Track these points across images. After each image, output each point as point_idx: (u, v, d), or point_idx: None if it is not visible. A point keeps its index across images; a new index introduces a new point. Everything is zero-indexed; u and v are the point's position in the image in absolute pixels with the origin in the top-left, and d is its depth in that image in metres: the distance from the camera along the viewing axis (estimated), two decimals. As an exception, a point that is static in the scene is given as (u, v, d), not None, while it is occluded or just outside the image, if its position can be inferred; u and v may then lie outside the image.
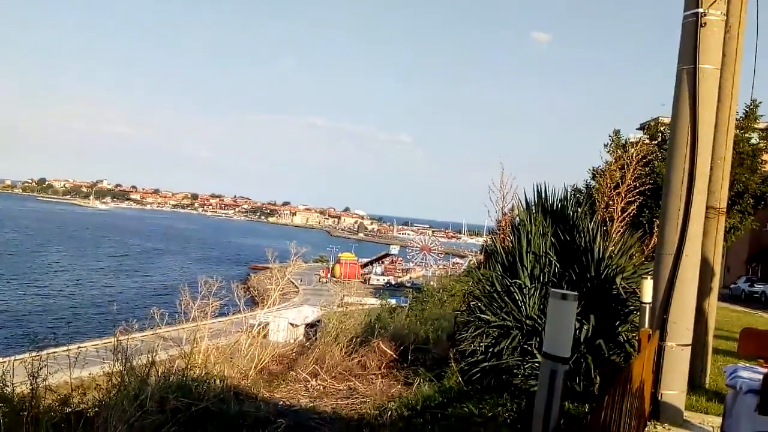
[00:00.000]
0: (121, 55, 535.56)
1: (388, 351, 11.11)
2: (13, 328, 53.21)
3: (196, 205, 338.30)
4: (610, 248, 7.93)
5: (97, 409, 7.91)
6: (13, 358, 8.84)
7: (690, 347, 6.22)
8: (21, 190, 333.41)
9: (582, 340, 7.11)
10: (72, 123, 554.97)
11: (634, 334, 7.14)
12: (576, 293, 3.47)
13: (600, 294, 7.54)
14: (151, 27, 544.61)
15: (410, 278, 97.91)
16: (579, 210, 8.53)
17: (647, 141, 25.38)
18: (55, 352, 9.16)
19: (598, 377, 7.01)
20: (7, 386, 7.98)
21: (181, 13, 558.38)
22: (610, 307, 7.58)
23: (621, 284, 7.59)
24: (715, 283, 8.34)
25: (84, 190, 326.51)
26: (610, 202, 8.99)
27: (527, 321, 7.54)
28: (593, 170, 14.41)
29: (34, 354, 8.53)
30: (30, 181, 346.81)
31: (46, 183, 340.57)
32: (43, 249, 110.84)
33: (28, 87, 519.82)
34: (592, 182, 12.19)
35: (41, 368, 8.32)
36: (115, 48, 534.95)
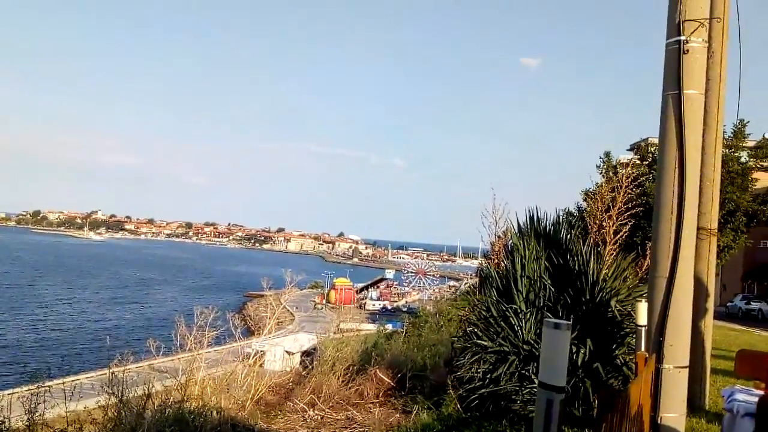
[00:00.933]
0: (111, 84, 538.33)
1: (386, 379, 11.05)
2: (9, 362, 52.70)
3: (190, 233, 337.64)
4: (604, 271, 7.95)
5: (93, 444, 7.85)
6: (9, 392, 8.78)
7: (687, 369, 6.22)
8: (15, 223, 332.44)
9: (579, 364, 7.11)
10: (65, 154, 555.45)
11: (631, 357, 7.14)
12: (569, 322, 3.50)
13: (595, 317, 7.55)
14: (142, 56, 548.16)
15: (406, 302, 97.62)
16: (572, 233, 8.57)
17: (637, 162, 25.62)
18: (50, 386, 9.09)
19: (596, 401, 7.00)
20: (4, 422, 7.93)
21: (173, 43, 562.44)
22: (606, 330, 7.58)
23: (616, 307, 7.60)
24: (710, 304, 8.37)
25: (78, 221, 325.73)
26: (603, 225, 9.03)
27: (524, 346, 7.54)
28: (585, 193, 14.51)
29: (30, 388, 8.49)
30: (24, 213, 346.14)
31: (41, 215, 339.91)
32: (38, 281, 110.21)
33: (21, 119, 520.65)
34: (584, 205, 12.26)
35: (37, 403, 8.29)
36: (105, 77, 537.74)
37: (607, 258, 8.24)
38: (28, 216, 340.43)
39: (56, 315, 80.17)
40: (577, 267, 7.84)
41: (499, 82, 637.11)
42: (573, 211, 12.56)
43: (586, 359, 7.19)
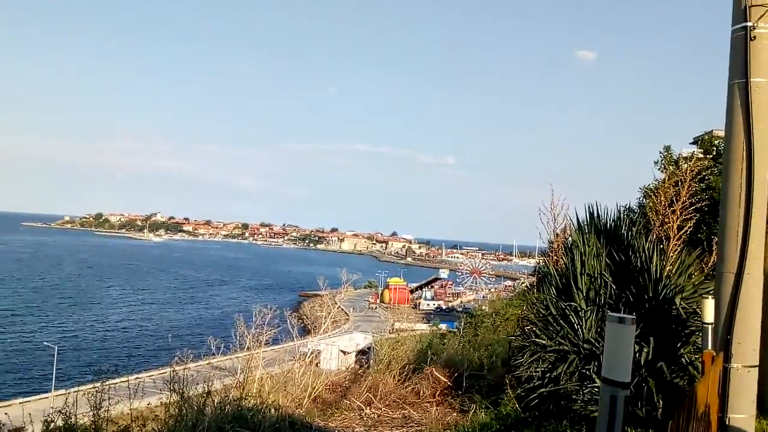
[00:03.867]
0: (167, 90, 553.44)
1: (442, 378, 10.99)
2: (76, 360, 54.77)
3: (246, 234, 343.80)
4: (668, 267, 7.71)
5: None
6: (76, 389, 9.08)
7: (757, 368, 5.98)
8: (79, 225, 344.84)
9: (642, 363, 6.91)
10: (126, 159, 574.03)
11: (696, 356, 6.91)
12: (633, 316, 3.39)
13: (659, 315, 7.32)
14: (195, 62, 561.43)
15: (461, 302, 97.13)
16: (633, 229, 8.34)
17: (701, 156, 24.79)
18: (114, 383, 9.36)
19: (660, 401, 6.80)
20: (71, 418, 8.20)
21: (223, 49, 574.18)
22: (670, 328, 7.35)
23: (681, 304, 7.36)
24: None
25: (139, 223, 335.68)
26: (666, 220, 8.76)
27: (584, 345, 7.37)
28: (645, 188, 14.07)
29: (95, 385, 8.76)
30: (88, 216, 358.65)
31: (103, 218, 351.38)
32: (102, 282, 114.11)
33: (83, 125, 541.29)
34: (645, 201, 11.89)
35: (102, 400, 8.55)
36: (160, 84, 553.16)
37: (671, 254, 7.99)
38: (91, 219, 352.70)
39: (120, 314, 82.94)
40: (639, 263, 7.63)
41: (554, 75, 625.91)
42: (633, 207, 12.20)
43: (649, 358, 6.98)
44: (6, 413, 8.16)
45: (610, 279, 7.70)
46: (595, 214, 8.42)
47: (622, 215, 8.71)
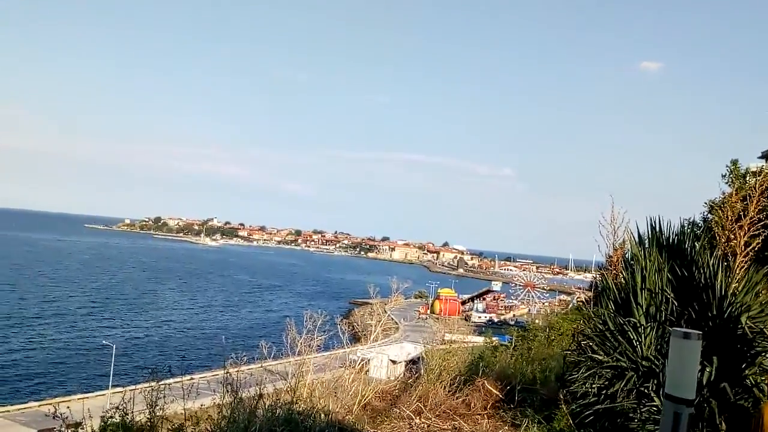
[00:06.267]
0: (221, 99, 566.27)
1: (494, 390, 10.83)
2: (132, 359, 56.36)
3: (299, 241, 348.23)
4: (733, 285, 7.41)
5: (209, 439, 8.16)
6: (132, 387, 9.31)
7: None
8: (139, 229, 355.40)
9: (704, 383, 6.65)
10: (185, 164, 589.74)
11: (762, 378, 6.63)
12: (699, 332, 3.26)
13: (723, 334, 7.04)
14: (249, 72, 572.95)
15: (514, 315, 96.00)
16: (697, 244, 8.05)
17: (770, 170, 23.77)
18: (168, 383, 9.55)
19: (723, 423, 6.54)
20: (128, 415, 8.41)
21: (281, 57, 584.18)
22: (734, 348, 7.06)
23: (747, 324, 7.06)
24: None
25: (196, 227, 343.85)
26: (732, 236, 8.42)
27: (643, 362, 7.15)
28: (710, 203, 13.59)
29: (151, 384, 8.97)
30: (147, 219, 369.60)
31: (162, 221, 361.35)
32: (159, 285, 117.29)
33: (142, 132, 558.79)
34: (709, 215, 11.48)
35: (158, 398, 8.75)
36: (216, 92, 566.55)
37: (737, 271, 7.67)
38: (150, 222, 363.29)
39: (176, 316, 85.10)
40: (703, 280, 7.36)
41: (617, 86, 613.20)
42: (697, 221, 11.80)
43: (711, 378, 6.71)
44: (68, 407, 8.43)
45: (672, 295, 7.45)
46: (657, 228, 8.17)
47: (685, 229, 8.43)
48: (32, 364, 54.64)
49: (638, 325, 7.37)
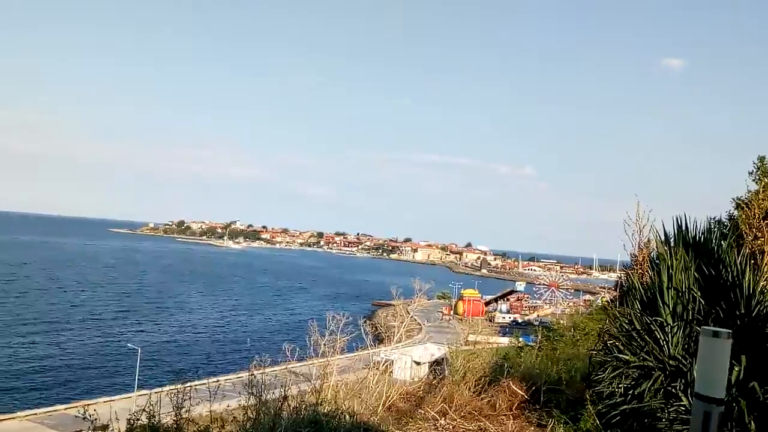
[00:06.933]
0: (243, 102, 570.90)
1: (519, 391, 10.77)
2: (158, 362, 56.96)
3: (321, 243, 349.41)
4: (761, 283, 7.30)
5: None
6: (160, 390, 9.43)
7: None
8: (163, 232, 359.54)
9: (733, 382, 6.56)
10: (208, 167, 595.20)
11: (793, 378, 6.52)
12: (729, 330, 3.23)
13: (752, 333, 6.94)
14: (269, 74, 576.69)
15: (538, 316, 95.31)
16: (724, 243, 7.95)
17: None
18: (194, 385, 9.66)
19: (752, 423, 6.45)
20: (155, 417, 8.51)
21: (299, 61, 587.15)
22: (763, 346, 6.95)
23: (776, 323, 6.96)
24: None
25: (219, 230, 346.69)
26: (759, 234, 8.31)
27: (670, 361, 7.07)
28: (737, 200, 13.35)
29: (177, 387, 9.08)
30: (171, 223, 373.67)
31: (185, 225, 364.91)
32: (183, 287, 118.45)
33: (165, 136, 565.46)
34: (736, 213, 11.28)
35: (184, 401, 8.85)
36: (237, 95, 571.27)
37: (765, 269, 7.56)
38: (174, 225, 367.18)
39: (200, 319, 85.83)
40: (730, 278, 7.26)
41: (639, 84, 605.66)
42: (724, 220, 11.58)
43: (740, 377, 6.62)
44: (95, 410, 8.57)
45: (699, 294, 7.36)
46: (683, 227, 8.08)
47: (712, 227, 8.32)
48: (58, 368, 55.49)
49: (665, 324, 7.30)
